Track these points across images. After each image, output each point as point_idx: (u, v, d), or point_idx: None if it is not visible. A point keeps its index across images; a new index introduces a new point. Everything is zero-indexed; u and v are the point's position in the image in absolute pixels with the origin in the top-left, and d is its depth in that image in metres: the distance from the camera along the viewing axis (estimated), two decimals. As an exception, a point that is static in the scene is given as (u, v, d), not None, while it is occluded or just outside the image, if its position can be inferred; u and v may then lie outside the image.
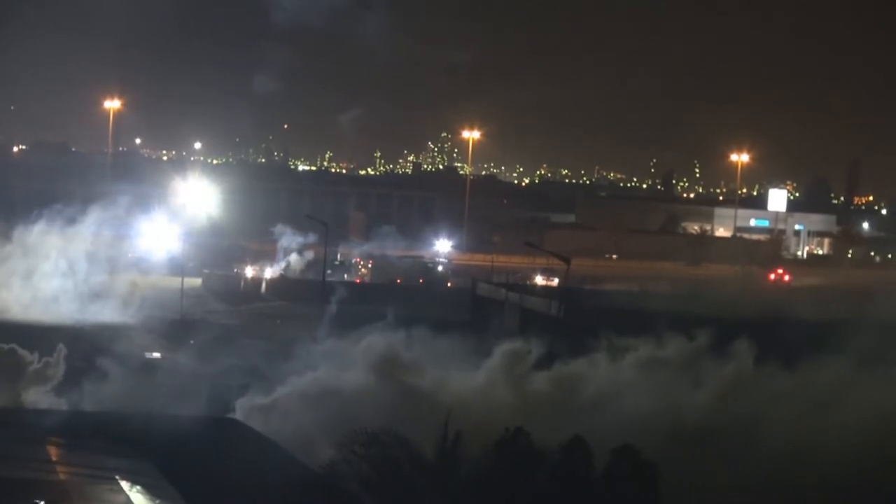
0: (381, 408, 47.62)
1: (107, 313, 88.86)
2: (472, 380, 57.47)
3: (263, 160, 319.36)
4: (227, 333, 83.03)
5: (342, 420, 39.43)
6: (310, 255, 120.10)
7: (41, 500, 28.55)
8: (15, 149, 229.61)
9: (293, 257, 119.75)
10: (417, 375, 56.67)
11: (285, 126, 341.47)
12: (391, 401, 50.44)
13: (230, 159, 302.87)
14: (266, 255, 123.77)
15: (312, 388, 54.55)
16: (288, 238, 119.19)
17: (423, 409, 49.14)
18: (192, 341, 77.74)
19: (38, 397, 54.69)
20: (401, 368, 57.06)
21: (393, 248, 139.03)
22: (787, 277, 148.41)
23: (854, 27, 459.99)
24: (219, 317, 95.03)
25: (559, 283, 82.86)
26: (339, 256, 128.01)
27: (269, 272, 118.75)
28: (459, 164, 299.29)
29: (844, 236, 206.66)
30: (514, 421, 34.32)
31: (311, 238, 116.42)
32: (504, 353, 59.78)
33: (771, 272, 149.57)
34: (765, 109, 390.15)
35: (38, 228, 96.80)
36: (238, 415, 52.46)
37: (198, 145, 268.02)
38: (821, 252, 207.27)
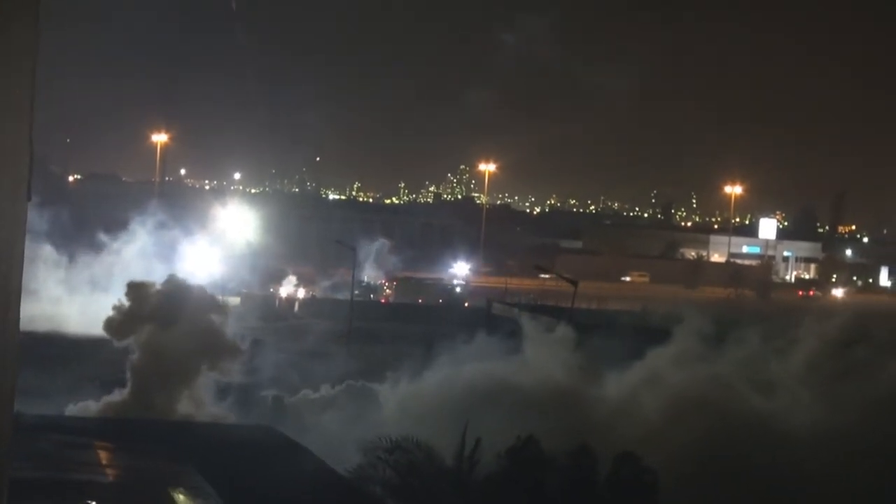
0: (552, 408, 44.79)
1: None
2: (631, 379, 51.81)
3: (297, 189, 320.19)
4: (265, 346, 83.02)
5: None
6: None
7: (91, 500, 28.46)
8: (70, 178, 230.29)
9: (370, 271, 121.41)
10: (589, 380, 52.36)
11: (317, 159, 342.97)
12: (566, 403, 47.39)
13: (267, 189, 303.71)
14: (300, 276, 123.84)
15: (477, 381, 49.83)
16: (375, 253, 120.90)
17: (602, 412, 47.33)
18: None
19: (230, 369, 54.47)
20: (576, 372, 52.73)
21: (415, 270, 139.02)
22: (812, 293, 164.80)
23: (839, 69, 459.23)
24: (255, 332, 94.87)
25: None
26: (364, 278, 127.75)
27: (302, 292, 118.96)
28: (476, 194, 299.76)
29: (829, 262, 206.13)
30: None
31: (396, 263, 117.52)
32: (685, 334, 52.86)
33: (800, 290, 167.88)
34: (756, 146, 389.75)
35: (93, 252, 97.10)
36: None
37: (237, 176, 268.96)
38: (807, 276, 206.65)
